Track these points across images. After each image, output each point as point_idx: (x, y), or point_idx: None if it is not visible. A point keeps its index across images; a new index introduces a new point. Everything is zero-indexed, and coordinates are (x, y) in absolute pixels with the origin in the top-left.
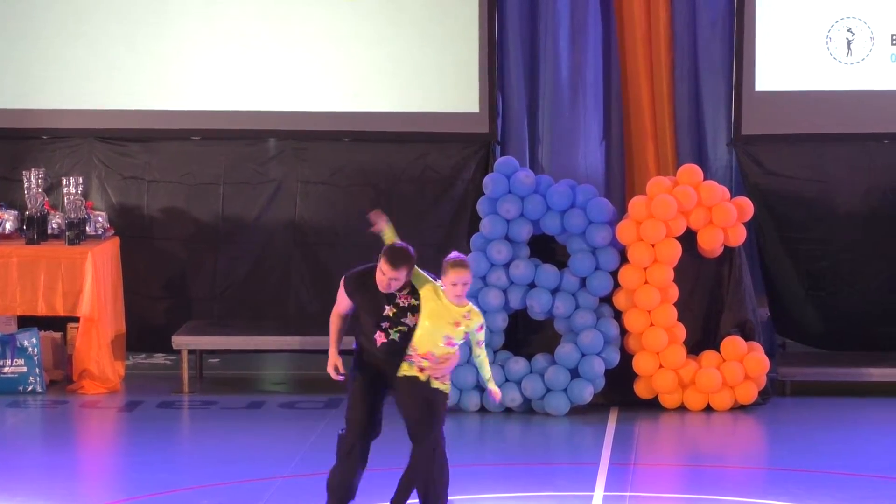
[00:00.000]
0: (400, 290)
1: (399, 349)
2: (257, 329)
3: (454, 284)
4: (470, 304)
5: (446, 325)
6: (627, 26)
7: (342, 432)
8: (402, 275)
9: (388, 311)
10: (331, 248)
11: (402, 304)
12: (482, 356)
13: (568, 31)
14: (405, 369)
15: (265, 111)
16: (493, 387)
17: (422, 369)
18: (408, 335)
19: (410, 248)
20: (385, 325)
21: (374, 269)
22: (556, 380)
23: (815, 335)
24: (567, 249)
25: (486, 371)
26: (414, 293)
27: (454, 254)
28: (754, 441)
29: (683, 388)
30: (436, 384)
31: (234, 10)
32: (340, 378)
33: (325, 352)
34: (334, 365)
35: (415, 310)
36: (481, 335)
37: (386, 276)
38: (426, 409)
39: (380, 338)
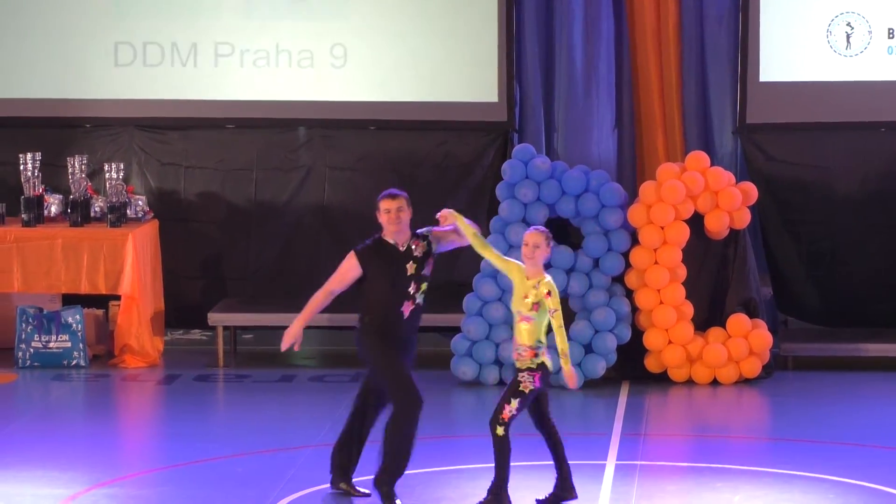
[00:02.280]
0: (412, 238)
1: (420, 315)
2: (288, 306)
3: (525, 245)
4: (544, 274)
5: (517, 301)
6: (638, 20)
7: (399, 409)
8: (403, 204)
9: (411, 268)
10: (357, 229)
11: (418, 256)
12: (554, 326)
13: (582, 25)
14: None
15: (295, 101)
16: (566, 367)
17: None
18: (426, 293)
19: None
20: (412, 288)
21: (377, 239)
22: (570, 355)
23: (816, 313)
24: (581, 232)
25: (559, 344)
26: (423, 239)
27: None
28: (758, 413)
29: (691, 363)
30: (518, 364)
31: (266, 6)
32: (287, 348)
33: (352, 328)
34: (294, 336)
35: (429, 256)
36: (550, 302)
37: (392, 212)
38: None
39: (407, 307)
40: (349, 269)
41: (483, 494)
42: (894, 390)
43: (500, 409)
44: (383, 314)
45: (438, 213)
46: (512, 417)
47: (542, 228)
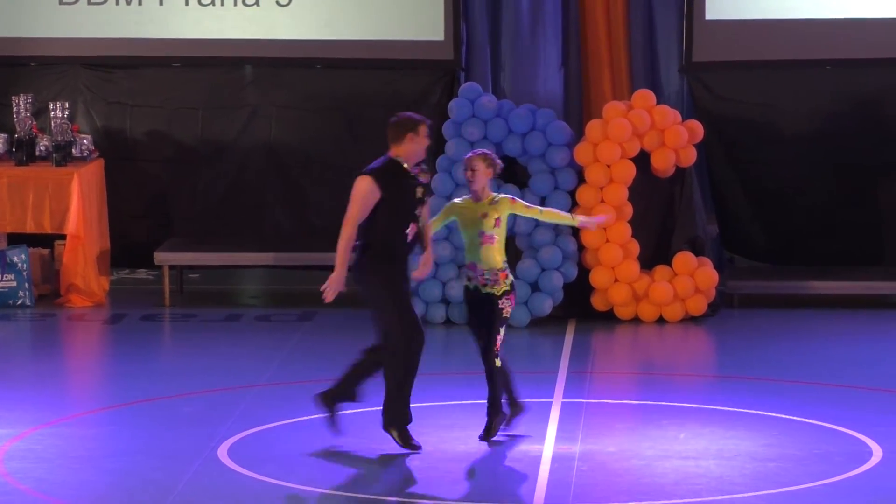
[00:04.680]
0: (417, 164)
1: (418, 237)
2: (235, 246)
3: (464, 170)
4: (494, 193)
5: (474, 223)
6: None
7: (404, 345)
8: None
9: (419, 192)
10: (304, 169)
11: (424, 182)
12: (545, 212)
13: None
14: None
15: (241, 39)
16: (583, 219)
17: (469, 279)
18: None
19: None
20: (417, 210)
21: (387, 160)
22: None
23: (761, 250)
24: (528, 170)
25: (563, 217)
26: (427, 173)
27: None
28: (704, 351)
29: (637, 301)
30: (490, 290)
31: None
32: (333, 299)
33: (298, 268)
34: (340, 284)
35: (429, 187)
36: (518, 206)
37: (428, 138)
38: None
39: (412, 230)
40: (370, 193)
41: (436, 434)
42: (839, 328)
43: (492, 342)
44: (392, 237)
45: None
46: (502, 344)
47: (480, 151)
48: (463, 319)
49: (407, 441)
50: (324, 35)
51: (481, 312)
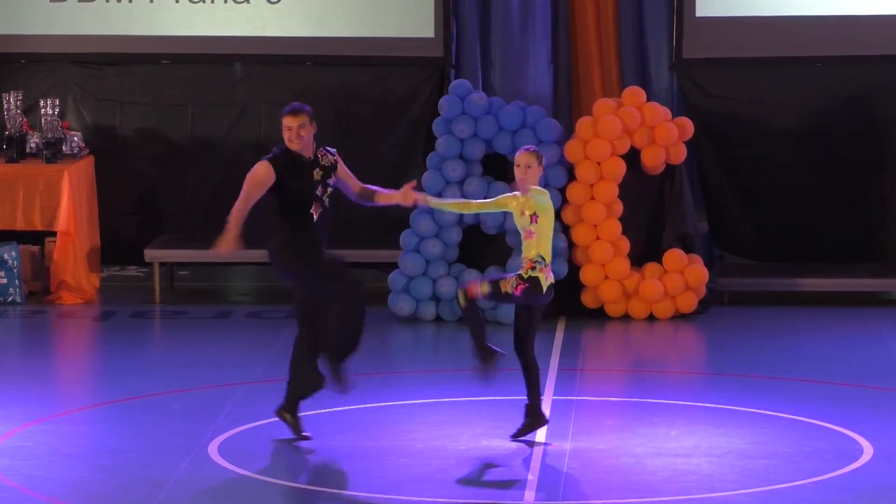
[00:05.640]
0: (318, 149)
1: (329, 219)
2: None
3: (517, 166)
4: (536, 188)
5: (517, 219)
6: None
7: (344, 297)
8: (305, 121)
9: (317, 174)
10: None
11: (325, 164)
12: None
13: None
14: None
15: (231, 36)
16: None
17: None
18: (331, 199)
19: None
20: (319, 191)
21: (284, 149)
22: None
23: (751, 247)
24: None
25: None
26: (332, 155)
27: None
28: (694, 348)
29: (628, 298)
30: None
31: None
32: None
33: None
34: (234, 242)
35: (334, 171)
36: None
37: (293, 129)
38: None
39: (316, 210)
40: (265, 175)
41: (426, 431)
42: (828, 325)
43: (472, 284)
44: (294, 217)
45: (406, 189)
46: (475, 297)
47: (533, 147)
48: (454, 317)
49: (299, 429)
50: (314, 32)
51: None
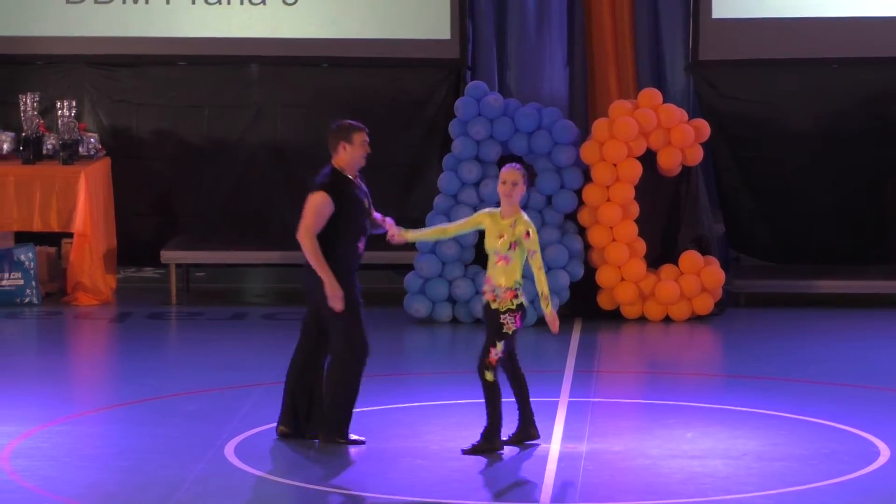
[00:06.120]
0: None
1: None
2: (240, 244)
3: (503, 183)
4: (521, 213)
5: (493, 240)
6: None
7: (351, 356)
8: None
9: (367, 202)
10: (309, 167)
11: (367, 190)
12: (534, 268)
13: None
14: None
15: (247, 38)
16: (547, 311)
17: (485, 293)
18: None
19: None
20: (367, 222)
21: (333, 171)
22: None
23: (767, 249)
24: (534, 169)
25: (539, 286)
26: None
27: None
28: (710, 350)
29: (643, 300)
30: (496, 305)
31: None
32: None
33: (304, 266)
34: (338, 289)
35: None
36: (529, 243)
37: (364, 147)
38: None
39: (363, 242)
40: (324, 206)
41: (441, 433)
42: (845, 326)
43: (486, 353)
44: (346, 251)
45: (389, 235)
46: (499, 360)
47: (518, 166)
48: (470, 319)
49: (350, 439)
50: (330, 33)
51: (487, 326)
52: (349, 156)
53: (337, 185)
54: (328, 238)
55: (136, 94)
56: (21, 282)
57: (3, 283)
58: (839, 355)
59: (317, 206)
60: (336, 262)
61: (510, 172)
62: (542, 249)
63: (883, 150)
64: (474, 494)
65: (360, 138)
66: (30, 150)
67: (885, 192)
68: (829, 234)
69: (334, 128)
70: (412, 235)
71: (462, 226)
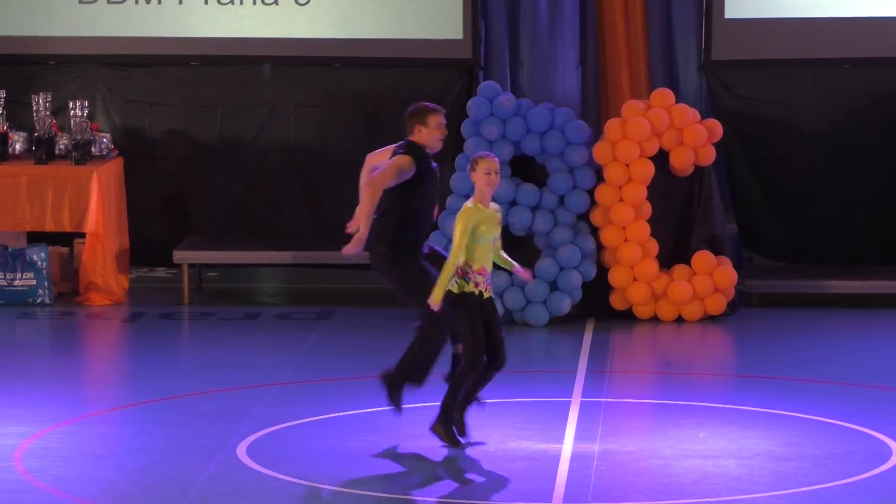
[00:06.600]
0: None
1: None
2: (253, 244)
3: (488, 173)
4: (496, 208)
5: (493, 228)
6: None
7: (434, 327)
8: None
9: (436, 175)
10: (322, 167)
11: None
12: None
13: None
14: (461, 286)
15: (260, 38)
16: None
17: (476, 285)
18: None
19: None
20: (437, 197)
21: (412, 143)
22: (535, 292)
23: (780, 249)
24: (546, 169)
25: (507, 260)
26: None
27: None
28: (723, 350)
29: (656, 300)
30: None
31: None
32: (354, 253)
33: (317, 266)
34: (360, 240)
35: None
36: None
37: (441, 129)
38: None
39: (436, 212)
40: (408, 168)
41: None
42: (857, 327)
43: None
44: (420, 221)
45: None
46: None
47: (493, 154)
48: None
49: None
50: (342, 34)
51: (484, 317)
52: (425, 138)
53: (419, 154)
54: (400, 206)
55: (148, 94)
56: (33, 282)
57: (16, 283)
58: (852, 355)
59: (401, 166)
60: (404, 231)
61: (493, 162)
62: (555, 249)
63: None
64: (487, 494)
65: (436, 121)
66: (42, 150)
67: None
68: (843, 235)
69: (410, 110)
70: (439, 294)
71: (460, 243)
